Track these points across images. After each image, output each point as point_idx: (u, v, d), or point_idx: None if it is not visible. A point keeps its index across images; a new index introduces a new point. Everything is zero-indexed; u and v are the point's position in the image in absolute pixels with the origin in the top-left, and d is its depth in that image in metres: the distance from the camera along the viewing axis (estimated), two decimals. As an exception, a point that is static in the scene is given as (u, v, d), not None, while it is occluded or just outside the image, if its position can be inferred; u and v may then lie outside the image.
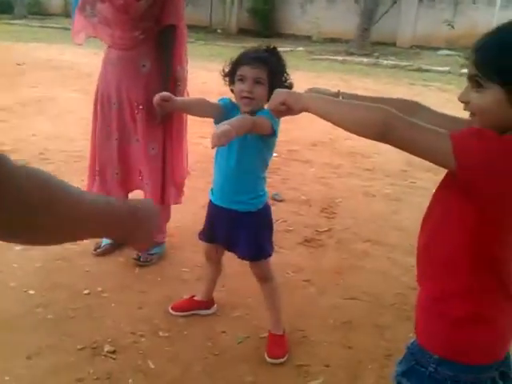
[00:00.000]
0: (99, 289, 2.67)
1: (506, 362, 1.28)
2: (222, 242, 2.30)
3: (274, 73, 2.03)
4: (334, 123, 1.25)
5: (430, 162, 1.16)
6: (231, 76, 2.08)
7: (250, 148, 2.05)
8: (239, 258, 2.25)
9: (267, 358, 2.25)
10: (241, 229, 2.16)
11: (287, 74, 2.10)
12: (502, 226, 1.17)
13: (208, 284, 2.52)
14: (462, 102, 1.21)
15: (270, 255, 2.25)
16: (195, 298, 2.54)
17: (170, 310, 2.51)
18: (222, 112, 2.09)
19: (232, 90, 2.10)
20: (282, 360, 2.24)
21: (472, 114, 1.21)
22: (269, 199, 2.30)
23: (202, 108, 2.15)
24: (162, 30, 2.71)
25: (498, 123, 1.16)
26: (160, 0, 2.65)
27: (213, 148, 1.66)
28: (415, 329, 1.33)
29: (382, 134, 1.17)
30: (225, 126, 1.61)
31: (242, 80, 2.01)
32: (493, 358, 1.25)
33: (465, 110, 1.22)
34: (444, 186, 1.24)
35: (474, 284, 1.21)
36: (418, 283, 1.34)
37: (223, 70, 2.11)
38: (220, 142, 1.57)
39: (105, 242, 3.02)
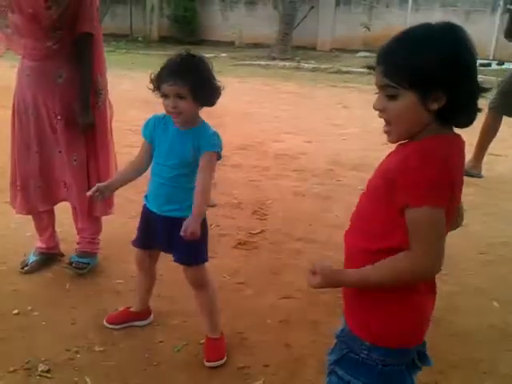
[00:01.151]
0: (29, 308, 2.56)
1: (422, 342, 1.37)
2: (159, 246, 2.27)
3: (196, 85, 2.00)
4: (373, 289, 1.27)
5: None
6: (158, 89, 2.05)
7: (188, 166, 2.09)
8: (175, 261, 2.22)
9: (205, 362, 2.24)
10: (177, 233, 2.13)
11: (214, 79, 2.07)
12: None
13: (142, 294, 2.48)
14: (377, 110, 1.26)
15: (205, 260, 2.25)
16: (131, 310, 2.49)
17: (105, 323, 2.44)
18: (151, 139, 2.16)
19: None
20: (219, 363, 2.24)
21: (387, 122, 1.26)
22: None
23: (141, 163, 2.19)
24: (77, 39, 2.64)
25: (414, 126, 1.23)
26: (72, 8, 2.58)
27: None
28: (345, 317, 1.38)
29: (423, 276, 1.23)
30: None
31: (165, 96, 2.01)
32: (417, 341, 1.33)
33: (380, 117, 1.27)
34: (374, 197, 1.28)
35: None
36: (346, 266, 1.38)
37: (150, 79, 2.07)
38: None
39: (32, 259, 2.91)
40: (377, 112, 1.27)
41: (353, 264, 1.33)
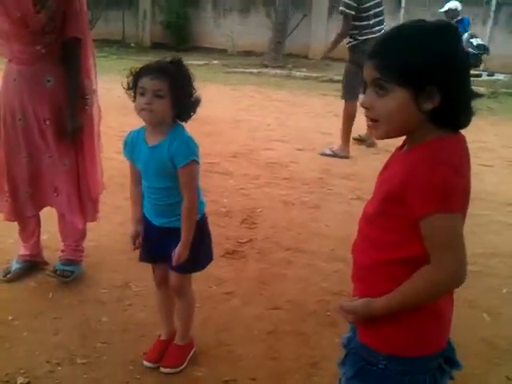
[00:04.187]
0: (10, 317, 2.50)
1: (449, 347, 1.31)
2: (159, 257, 2.16)
3: (177, 85, 1.93)
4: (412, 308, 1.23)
5: None
6: (134, 89, 1.97)
7: (168, 181, 2.01)
8: (171, 269, 2.13)
9: (161, 368, 2.19)
10: (171, 242, 2.06)
11: (193, 88, 2.00)
12: None
13: (167, 316, 2.31)
14: (364, 107, 1.22)
15: (198, 270, 2.21)
16: (162, 339, 2.31)
17: (147, 364, 2.22)
18: (133, 159, 2.09)
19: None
20: (176, 370, 2.19)
21: (374, 120, 1.21)
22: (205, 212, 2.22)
23: (139, 188, 2.12)
24: (65, 43, 2.61)
25: (404, 126, 1.19)
26: (61, 12, 2.55)
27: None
28: (357, 328, 1.33)
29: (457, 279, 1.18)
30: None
31: (142, 94, 1.91)
32: (438, 347, 1.27)
33: (367, 115, 1.22)
34: (383, 209, 1.24)
35: None
36: (353, 282, 1.35)
37: (127, 83, 1.99)
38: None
39: (14, 266, 2.85)
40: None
41: (364, 279, 1.30)
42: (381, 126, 1.20)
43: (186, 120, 2.04)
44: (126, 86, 1.99)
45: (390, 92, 1.15)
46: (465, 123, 1.21)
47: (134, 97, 1.97)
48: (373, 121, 1.21)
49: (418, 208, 1.14)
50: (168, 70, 1.93)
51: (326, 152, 5.69)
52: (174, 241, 2.05)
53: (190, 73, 2.01)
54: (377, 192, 1.27)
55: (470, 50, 6.90)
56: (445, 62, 1.13)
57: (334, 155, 5.61)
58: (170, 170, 1.98)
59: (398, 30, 1.21)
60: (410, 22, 1.22)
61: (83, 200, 2.82)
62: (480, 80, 10.27)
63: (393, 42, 1.18)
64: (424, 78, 1.13)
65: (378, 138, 1.25)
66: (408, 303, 1.21)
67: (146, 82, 1.90)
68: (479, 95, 1.21)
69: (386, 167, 1.30)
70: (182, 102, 1.97)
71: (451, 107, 1.15)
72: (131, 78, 1.97)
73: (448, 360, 1.31)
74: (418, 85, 1.13)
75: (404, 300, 1.20)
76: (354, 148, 5.91)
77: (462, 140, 1.22)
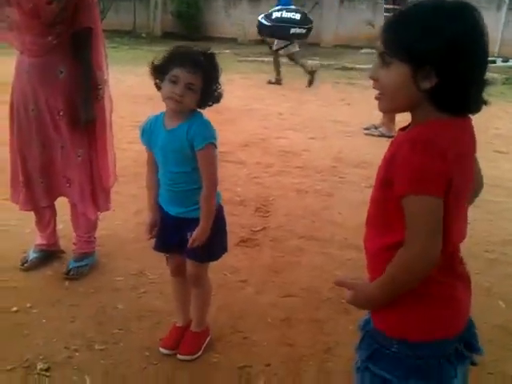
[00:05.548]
0: (28, 305, 2.54)
1: (469, 331, 1.31)
2: (174, 247, 2.17)
3: (209, 80, 1.97)
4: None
5: None
6: (161, 73, 1.97)
7: (186, 165, 2.02)
8: (187, 257, 2.15)
9: (178, 355, 2.22)
10: (187, 232, 2.07)
11: (219, 83, 2.03)
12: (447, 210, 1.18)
13: (183, 304, 2.33)
14: (371, 79, 1.25)
15: (215, 259, 2.21)
16: (178, 325, 2.34)
17: (162, 350, 2.25)
18: (150, 146, 2.09)
19: (157, 86, 2.00)
20: (193, 357, 2.22)
21: (380, 93, 1.24)
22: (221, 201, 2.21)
23: (156, 177, 2.12)
24: (76, 34, 2.61)
25: (404, 101, 1.21)
26: (72, 3, 2.55)
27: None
28: (370, 313, 1.34)
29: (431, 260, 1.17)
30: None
31: (174, 82, 1.92)
32: (450, 332, 1.26)
33: (374, 87, 1.25)
34: (380, 191, 1.25)
35: None
36: (368, 272, 1.35)
37: (153, 63, 1.98)
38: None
39: (32, 255, 2.89)
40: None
41: (374, 269, 1.30)
42: (383, 99, 1.24)
43: (203, 108, 2.06)
44: (151, 65, 1.99)
45: (392, 65, 1.18)
46: (470, 109, 1.20)
47: (160, 80, 1.98)
48: (379, 93, 1.24)
49: (398, 187, 1.15)
50: (203, 65, 1.96)
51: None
52: (190, 231, 2.06)
53: (220, 68, 2.03)
54: (377, 175, 1.28)
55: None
56: (449, 45, 1.12)
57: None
58: (187, 154, 1.99)
59: (411, 9, 1.22)
60: (426, 1, 1.21)
61: (96, 190, 2.84)
62: (494, 66, 10.17)
63: (402, 20, 1.21)
64: (424, 59, 1.14)
65: (381, 111, 1.30)
66: (391, 285, 1.22)
67: (180, 73, 1.92)
68: (489, 83, 1.18)
69: (388, 149, 1.30)
70: (208, 95, 2.00)
71: (450, 90, 1.15)
72: (163, 62, 1.97)
73: (467, 345, 1.31)
74: (417, 63, 1.14)
75: (388, 282, 1.22)
76: (365, 136, 5.90)
77: (467, 126, 1.21)
